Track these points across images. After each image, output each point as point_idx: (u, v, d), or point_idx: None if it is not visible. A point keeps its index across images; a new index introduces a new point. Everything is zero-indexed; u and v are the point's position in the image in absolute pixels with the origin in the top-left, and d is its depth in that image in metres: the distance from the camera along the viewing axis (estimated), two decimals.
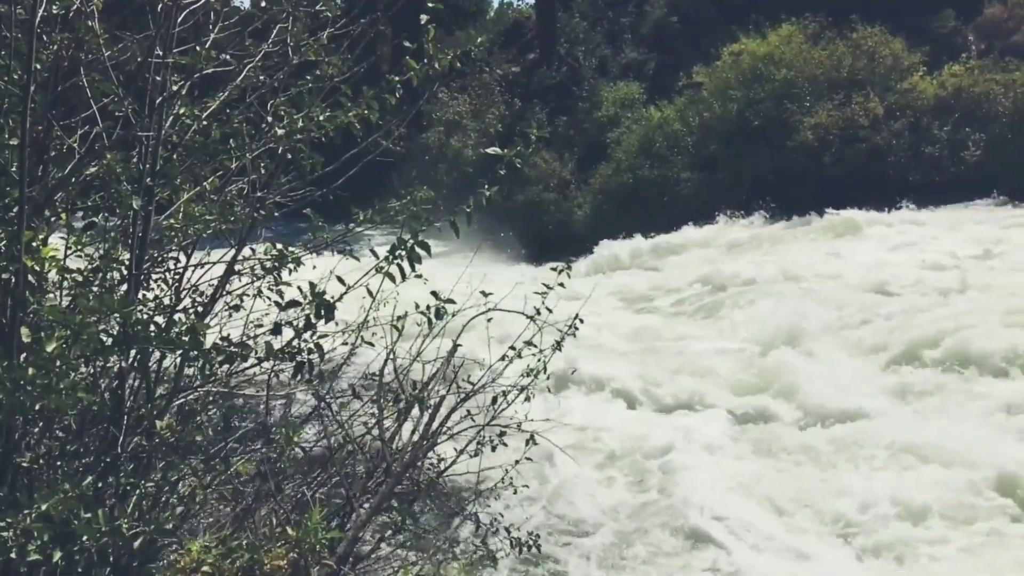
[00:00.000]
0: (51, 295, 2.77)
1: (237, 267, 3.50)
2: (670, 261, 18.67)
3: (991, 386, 10.03)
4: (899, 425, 9.24)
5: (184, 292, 3.41)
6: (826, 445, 9.12)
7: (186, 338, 2.53)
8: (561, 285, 4.23)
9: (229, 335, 3.21)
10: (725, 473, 8.66)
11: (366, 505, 3.61)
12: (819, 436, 9.38)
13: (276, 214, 3.63)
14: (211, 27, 3.32)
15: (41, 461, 2.72)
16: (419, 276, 3.14)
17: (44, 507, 2.18)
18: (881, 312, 12.65)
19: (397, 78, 3.42)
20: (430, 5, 3.29)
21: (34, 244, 2.43)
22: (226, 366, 2.87)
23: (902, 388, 10.30)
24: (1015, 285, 12.99)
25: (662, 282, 17.17)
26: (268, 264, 3.26)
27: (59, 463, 2.81)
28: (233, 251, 3.47)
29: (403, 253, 3.09)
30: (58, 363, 2.27)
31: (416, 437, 3.99)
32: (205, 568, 2.53)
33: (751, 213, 20.76)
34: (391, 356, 4.11)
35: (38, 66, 2.71)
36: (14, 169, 2.59)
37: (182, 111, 3.15)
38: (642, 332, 13.71)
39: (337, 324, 3.18)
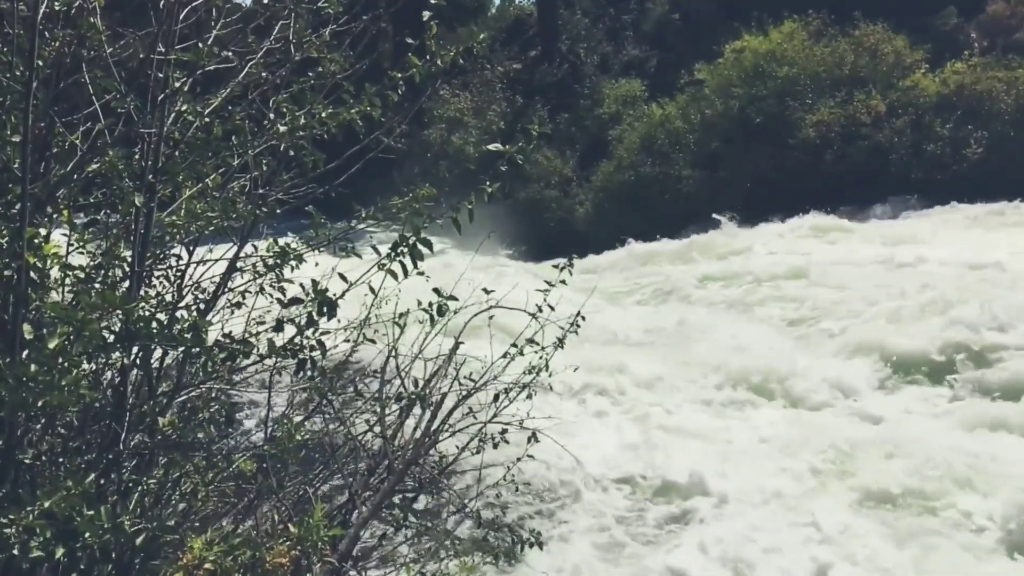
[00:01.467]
0: (53, 292, 2.76)
1: (239, 264, 3.50)
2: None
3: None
4: None
5: (186, 289, 3.41)
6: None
7: (188, 335, 2.53)
8: (563, 283, 4.22)
9: (231, 332, 3.21)
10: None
11: (368, 503, 3.60)
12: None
13: (278, 211, 3.63)
14: (213, 24, 3.31)
15: (43, 458, 2.72)
16: (421, 273, 3.13)
17: (46, 504, 2.18)
18: None
19: (399, 75, 3.41)
20: (432, 2, 3.28)
21: (36, 241, 2.43)
22: (228, 363, 2.88)
23: None
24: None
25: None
26: (270, 261, 3.26)
27: (61, 460, 2.81)
28: (235, 248, 3.47)
29: (405, 250, 3.08)
30: (60, 360, 2.27)
31: (418, 434, 3.98)
32: (207, 565, 2.53)
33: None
34: (393, 353, 4.10)
35: (40, 63, 2.71)
36: (16, 166, 2.59)
37: (184, 108, 3.14)
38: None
39: (339, 321, 3.18)
